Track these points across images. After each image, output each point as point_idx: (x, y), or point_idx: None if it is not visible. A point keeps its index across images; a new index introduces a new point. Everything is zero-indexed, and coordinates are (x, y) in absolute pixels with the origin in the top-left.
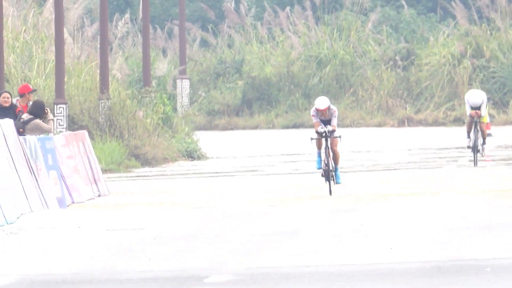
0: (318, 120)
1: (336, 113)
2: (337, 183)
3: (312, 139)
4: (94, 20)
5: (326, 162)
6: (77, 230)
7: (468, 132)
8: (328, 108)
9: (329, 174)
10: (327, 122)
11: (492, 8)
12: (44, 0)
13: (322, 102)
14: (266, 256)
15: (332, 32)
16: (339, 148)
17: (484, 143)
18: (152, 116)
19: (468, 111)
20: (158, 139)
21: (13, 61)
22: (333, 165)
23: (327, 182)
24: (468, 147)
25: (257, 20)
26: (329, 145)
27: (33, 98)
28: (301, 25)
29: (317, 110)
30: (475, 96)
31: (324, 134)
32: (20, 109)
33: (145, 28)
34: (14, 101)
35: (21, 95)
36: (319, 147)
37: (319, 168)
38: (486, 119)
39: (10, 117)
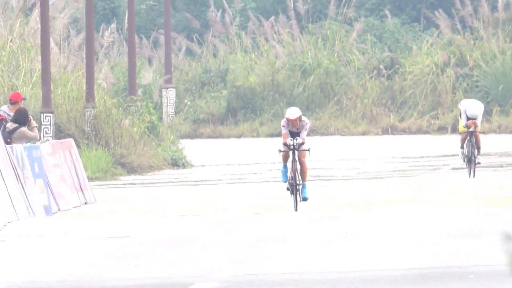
0: (287, 131)
1: (308, 126)
2: (303, 198)
3: (280, 151)
4: (80, 29)
5: (292, 175)
6: (64, 237)
7: (462, 143)
8: (299, 119)
9: (295, 188)
10: (297, 134)
11: (475, 17)
12: (30, 10)
13: (292, 112)
14: (252, 263)
15: (317, 42)
16: (307, 162)
17: (479, 153)
18: (138, 124)
19: (464, 121)
20: (144, 147)
21: None
22: (300, 180)
23: (293, 196)
24: (463, 159)
25: (242, 30)
26: (296, 158)
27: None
28: (286, 35)
29: (287, 120)
30: (474, 107)
31: (292, 147)
32: (4, 117)
33: (130, 37)
34: (5, 108)
35: (14, 102)
36: (285, 160)
37: (285, 181)
38: (480, 128)
39: None
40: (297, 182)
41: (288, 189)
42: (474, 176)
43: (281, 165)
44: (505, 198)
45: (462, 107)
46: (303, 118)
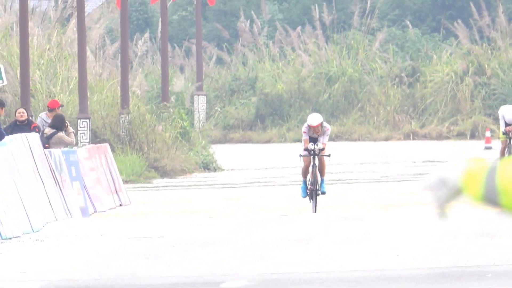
0: (308, 137)
1: (329, 131)
2: (321, 192)
3: (301, 155)
4: (115, 39)
5: (311, 181)
6: (100, 238)
7: (502, 153)
8: (321, 125)
9: (314, 193)
10: (316, 139)
11: (493, 28)
12: (67, 20)
13: (314, 119)
14: (279, 262)
15: (341, 51)
16: (328, 167)
17: None
18: (171, 130)
19: (503, 127)
20: (176, 152)
21: (38, 78)
22: (319, 183)
23: (312, 201)
24: None
25: (270, 39)
26: (316, 163)
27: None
28: (311, 44)
29: (309, 126)
30: (509, 110)
31: (312, 152)
32: (36, 125)
33: (163, 46)
34: (43, 115)
35: (51, 109)
36: (305, 174)
37: (304, 196)
38: None
39: (26, 132)
40: (317, 188)
41: (304, 196)
42: None
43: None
44: None
45: (501, 113)
46: (325, 124)
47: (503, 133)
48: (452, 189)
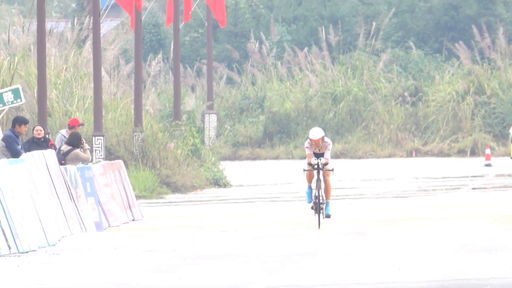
0: (312, 152)
1: (330, 146)
2: (326, 215)
3: (304, 170)
4: (129, 59)
5: (316, 194)
6: (113, 251)
7: None
8: (322, 139)
9: (319, 207)
10: (320, 155)
11: (493, 49)
12: (83, 42)
13: (316, 133)
14: (287, 275)
15: (347, 71)
16: (332, 182)
17: None
18: (182, 147)
19: None
20: (187, 168)
21: (55, 97)
22: (324, 198)
23: (316, 215)
24: None
25: (278, 60)
26: (321, 178)
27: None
28: (318, 65)
29: (311, 141)
30: None
31: (316, 166)
32: (52, 143)
33: (176, 67)
34: (63, 131)
35: (71, 127)
36: (309, 181)
37: (310, 201)
38: None
39: (43, 149)
40: (321, 201)
41: (312, 208)
42: None
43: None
44: None
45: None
46: (326, 139)
47: None
48: None
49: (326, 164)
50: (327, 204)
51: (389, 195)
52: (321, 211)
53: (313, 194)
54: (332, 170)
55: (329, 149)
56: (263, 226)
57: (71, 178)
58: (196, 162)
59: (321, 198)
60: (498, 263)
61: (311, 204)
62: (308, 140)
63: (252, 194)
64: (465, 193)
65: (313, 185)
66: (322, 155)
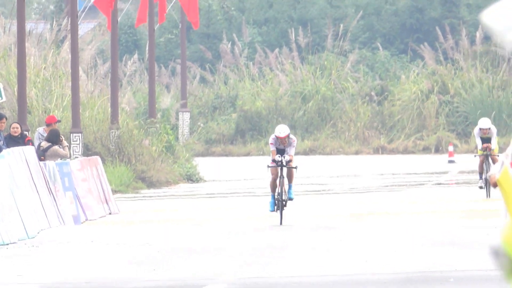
0: (275, 148)
1: (295, 143)
2: (289, 198)
3: (268, 166)
4: (106, 59)
5: (279, 191)
6: (90, 244)
7: (481, 174)
8: (288, 136)
9: (281, 204)
10: (284, 151)
11: (456, 50)
12: (62, 42)
13: (282, 130)
14: (257, 268)
15: (315, 71)
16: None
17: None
18: (157, 144)
19: (479, 144)
20: (161, 164)
21: (34, 95)
22: (287, 190)
23: (279, 211)
24: (481, 187)
25: (249, 60)
26: (284, 175)
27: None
28: (288, 65)
29: (276, 138)
30: (485, 121)
31: (280, 163)
32: (29, 138)
33: (151, 66)
34: (41, 129)
35: (48, 124)
36: (273, 188)
37: (272, 210)
38: (496, 150)
39: (20, 145)
40: (283, 198)
41: (272, 211)
42: (489, 196)
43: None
44: (489, 211)
45: (475, 131)
46: (291, 135)
47: (481, 150)
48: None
49: (290, 161)
50: (290, 187)
51: (356, 190)
52: (283, 208)
53: (276, 191)
54: (296, 167)
55: (293, 146)
56: (235, 220)
57: (50, 173)
58: (170, 158)
59: (283, 195)
60: (461, 256)
61: (273, 212)
62: (273, 137)
63: (225, 189)
64: (429, 189)
65: (277, 186)
66: (284, 150)
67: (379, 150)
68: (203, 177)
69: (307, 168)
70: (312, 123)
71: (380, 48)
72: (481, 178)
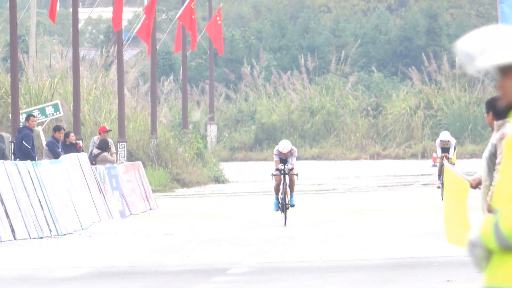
0: (279, 159)
1: (295, 153)
2: (291, 205)
3: (272, 175)
4: (146, 80)
5: (283, 196)
6: (134, 234)
7: (439, 175)
8: (290, 150)
9: (285, 207)
10: (286, 160)
11: (439, 72)
12: (110, 66)
13: (285, 146)
14: (272, 254)
15: (321, 90)
16: (296, 185)
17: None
18: (189, 151)
19: (439, 153)
20: (193, 168)
21: (87, 110)
22: (289, 198)
23: (283, 214)
24: (438, 187)
25: (266, 81)
26: (287, 181)
27: (108, 136)
28: (298, 85)
29: (280, 152)
30: (445, 134)
31: (283, 171)
32: (80, 145)
33: (184, 86)
34: (95, 139)
35: (100, 133)
36: (277, 191)
37: (276, 210)
38: (454, 160)
39: (73, 152)
40: (287, 202)
41: (276, 211)
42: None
43: (297, 181)
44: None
45: (437, 142)
46: (292, 147)
47: (440, 158)
48: (483, 248)
49: (291, 169)
50: (291, 196)
51: (356, 190)
52: (287, 211)
53: (280, 195)
54: (297, 174)
55: (294, 156)
56: (254, 215)
57: (100, 175)
58: (200, 163)
59: (286, 200)
60: (443, 245)
61: (278, 211)
62: (277, 150)
63: (246, 189)
64: (417, 189)
65: (280, 190)
66: (287, 160)
67: (375, 156)
68: (228, 178)
69: (315, 171)
70: (319, 134)
71: (375, 71)
72: (439, 179)
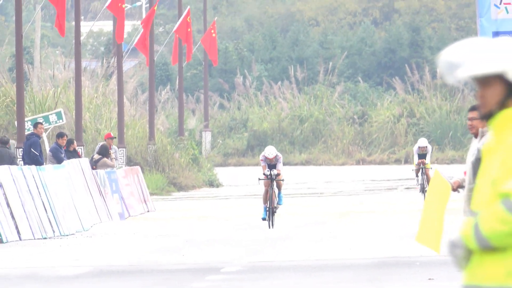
0: (266, 164)
1: (281, 159)
2: (278, 204)
3: (259, 179)
4: (144, 90)
5: (270, 201)
6: (132, 235)
7: (417, 174)
8: (275, 156)
9: (271, 212)
10: (273, 166)
11: (421, 83)
12: (110, 76)
13: (270, 152)
14: (264, 254)
15: (310, 99)
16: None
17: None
18: (185, 156)
19: (416, 159)
20: (189, 172)
21: (88, 118)
22: (277, 202)
23: (270, 217)
24: (420, 191)
25: (258, 91)
26: (274, 188)
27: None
28: (288, 94)
29: (266, 158)
30: (422, 141)
31: (269, 176)
32: (80, 152)
33: (180, 95)
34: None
35: (105, 140)
36: (265, 200)
37: (264, 219)
38: (429, 166)
39: (74, 157)
40: (274, 206)
41: (264, 219)
42: None
43: (287, 185)
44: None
45: (415, 148)
46: (278, 154)
47: (417, 164)
48: (464, 248)
49: (278, 174)
50: (279, 193)
51: (342, 193)
52: (274, 215)
53: (268, 204)
54: (283, 180)
55: (280, 162)
56: (246, 217)
57: (101, 179)
58: (196, 167)
59: (274, 204)
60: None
61: (265, 220)
62: (263, 156)
63: (239, 192)
64: (400, 192)
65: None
66: (274, 166)
67: (360, 161)
68: (222, 183)
69: (303, 176)
70: (307, 140)
71: (361, 81)
72: (417, 182)
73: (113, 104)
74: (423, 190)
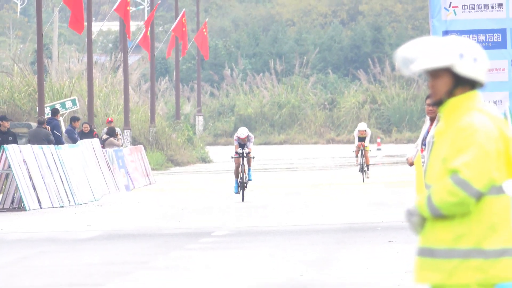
0: (238, 143)
1: (253, 139)
2: (249, 179)
3: (232, 157)
4: (147, 80)
5: (241, 176)
6: (137, 204)
7: (357, 155)
8: (247, 136)
9: (243, 185)
10: (244, 145)
11: (382, 74)
12: (117, 69)
13: (242, 132)
14: (248, 220)
15: (287, 88)
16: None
17: (368, 169)
18: (181, 137)
19: (356, 142)
20: (184, 150)
21: (99, 104)
22: (247, 177)
23: (241, 191)
24: (359, 165)
25: (243, 81)
26: (245, 164)
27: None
28: (269, 84)
29: (238, 138)
30: (362, 125)
31: (241, 155)
32: (96, 132)
33: (177, 85)
34: (105, 129)
35: (108, 123)
36: (236, 174)
37: (236, 192)
38: (368, 148)
39: (89, 137)
40: (245, 181)
41: (236, 193)
42: (363, 181)
43: (269, 161)
44: (405, 182)
45: (355, 132)
46: (250, 134)
47: (356, 147)
48: (419, 216)
49: (249, 152)
50: (249, 170)
51: (315, 168)
52: (245, 189)
53: (239, 177)
54: (253, 158)
55: (251, 141)
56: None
57: (109, 157)
58: (190, 146)
59: (244, 178)
60: (386, 213)
61: (238, 194)
62: (236, 136)
63: (227, 167)
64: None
65: (240, 172)
66: (245, 145)
67: (330, 141)
68: (212, 159)
69: (281, 154)
70: (285, 123)
71: (331, 73)
72: (357, 162)
73: (120, 92)
74: (362, 170)
